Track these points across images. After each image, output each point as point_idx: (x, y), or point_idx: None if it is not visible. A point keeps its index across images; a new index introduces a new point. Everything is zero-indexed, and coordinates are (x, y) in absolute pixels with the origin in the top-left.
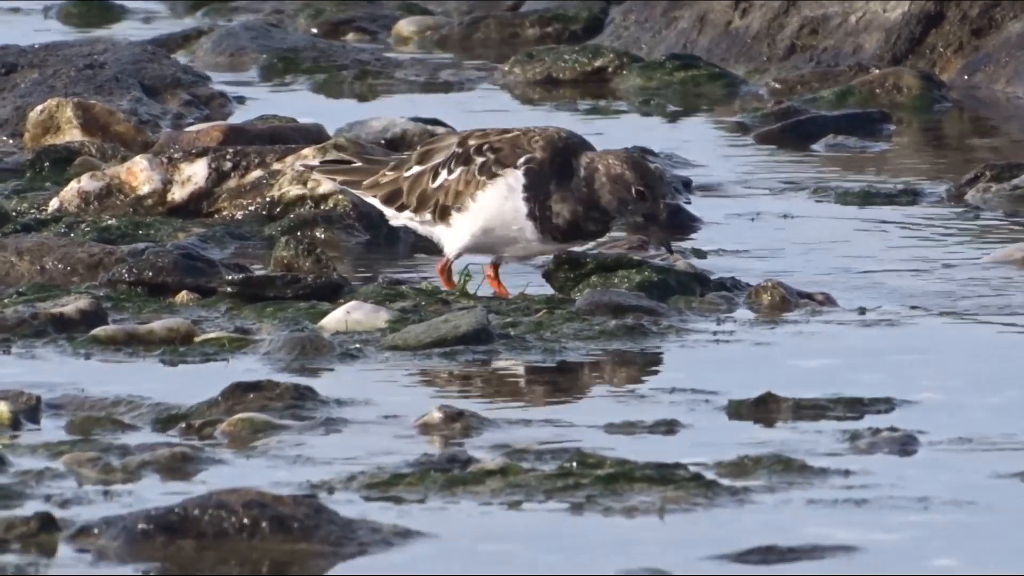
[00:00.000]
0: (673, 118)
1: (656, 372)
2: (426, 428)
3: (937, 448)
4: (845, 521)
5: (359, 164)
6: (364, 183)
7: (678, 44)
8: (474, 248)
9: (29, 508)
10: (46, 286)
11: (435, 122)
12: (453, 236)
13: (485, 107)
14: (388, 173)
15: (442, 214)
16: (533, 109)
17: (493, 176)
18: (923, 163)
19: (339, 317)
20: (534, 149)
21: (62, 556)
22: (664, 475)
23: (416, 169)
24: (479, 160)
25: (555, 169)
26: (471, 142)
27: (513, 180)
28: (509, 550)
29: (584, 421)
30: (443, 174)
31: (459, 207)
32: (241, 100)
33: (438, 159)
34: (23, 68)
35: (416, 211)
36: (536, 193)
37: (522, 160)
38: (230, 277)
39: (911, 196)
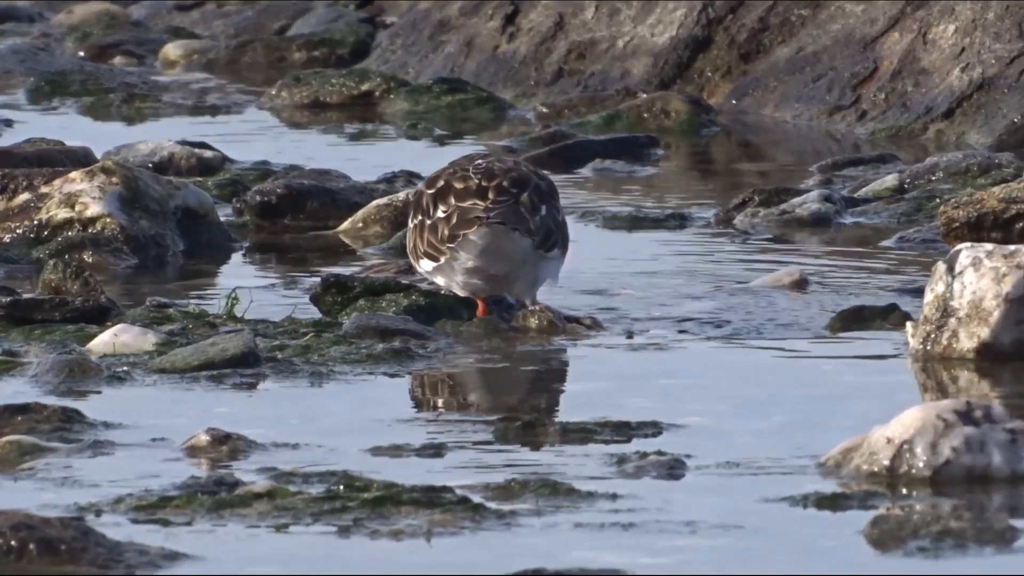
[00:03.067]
0: (440, 142)
1: (423, 395)
2: (193, 451)
3: (704, 472)
4: (612, 545)
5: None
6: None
7: (445, 68)
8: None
9: None
10: None
11: (203, 145)
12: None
13: (251, 130)
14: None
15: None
16: (300, 132)
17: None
18: (691, 187)
19: (107, 340)
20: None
21: None
22: (431, 498)
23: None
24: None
25: None
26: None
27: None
28: (276, 573)
29: (351, 444)
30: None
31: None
32: (8, 123)
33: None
34: None
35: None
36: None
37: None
38: None
39: (679, 220)
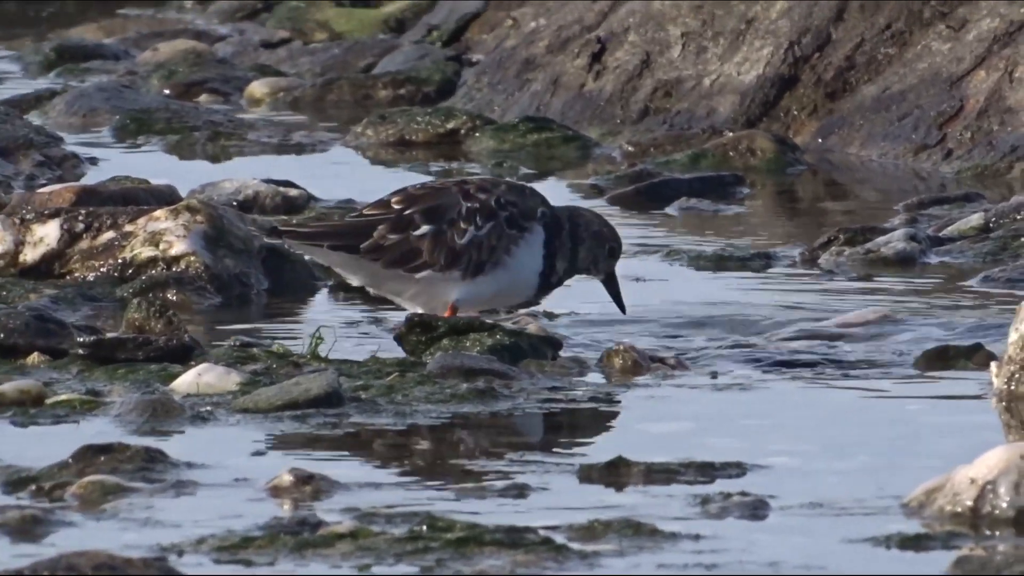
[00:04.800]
0: (527, 180)
1: (507, 435)
2: (276, 491)
3: (788, 513)
4: None
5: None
6: (362, 246)
7: (531, 106)
8: (488, 302)
9: None
10: None
11: (288, 184)
12: (476, 290)
13: (336, 168)
14: (390, 236)
15: (476, 270)
16: (386, 170)
17: (522, 230)
18: (777, 226)
19: (190, 379)
20: (536, 200)
21: None
22: (514, 539)
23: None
24: (503, 214)
25: (556, 223)
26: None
27: (535, 235)
28: None
29: (434, 484)
30: (471, 230)
31: (495, 262)
32: (94, 161)
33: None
34: None
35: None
36: (551, 249)
37: (539, 213)
38: (81, 339)
39: (765, 259)
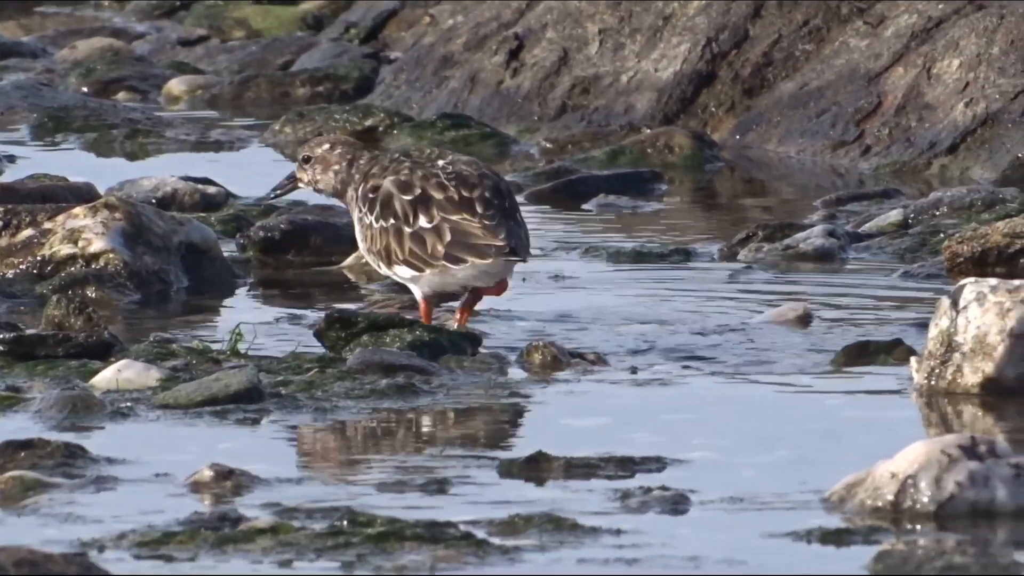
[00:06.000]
0: None
1: (427, 431)
2: (197, 486)
3: (709, 507)
4: None
5: None
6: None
7: (449, 104)
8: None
9: None
10: None
11: (207, 181)
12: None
13: (254, 166)
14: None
15: None
16: None
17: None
18: (695, 222)
19: (110, 376)
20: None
21: None
22: (435, 534)
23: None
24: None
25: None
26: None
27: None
28: None
29: (355, 480)
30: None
31: None
32: (12, 159)
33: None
34: None
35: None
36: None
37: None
38: (1, 335)
39: (683, 256)
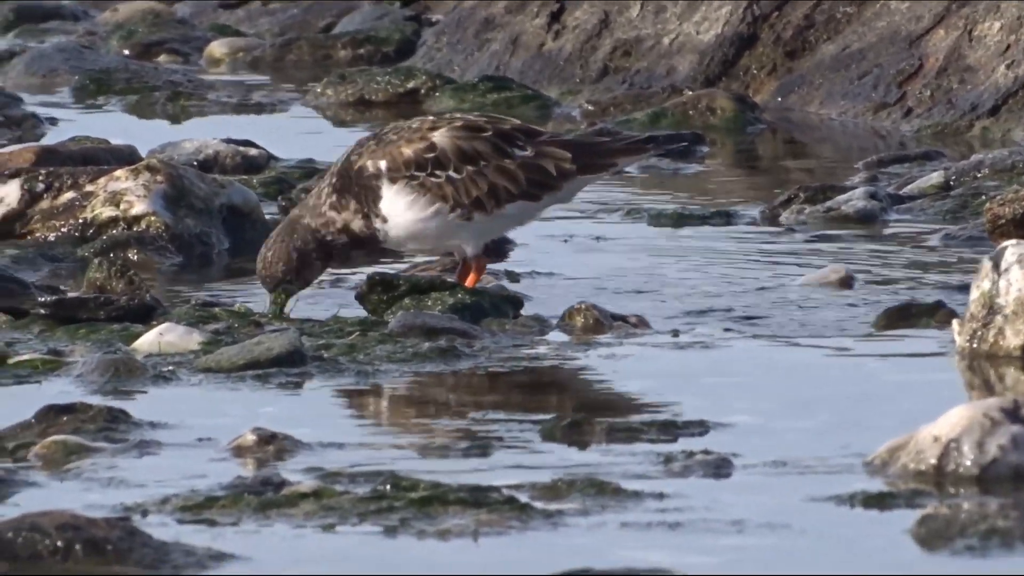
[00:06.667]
0: None
1: (470, 394)
2: (239, 451)
3: (751, 471)
4: (659, 544)
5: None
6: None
7: (491, 66)
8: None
9: None
10: None
11: (248, 143)
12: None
13: (296, 128)
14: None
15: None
16: (345, 130)
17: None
18: (737, 185)
19: (152, 339)
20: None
21: None
22: (478, 498)
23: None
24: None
25: None
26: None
27: None
28: (323, 573)
29: (398, 443)
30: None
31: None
32: (53, 121)
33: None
34: None
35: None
36: None
37: None
38: (43, 299)
39: (725, 218)
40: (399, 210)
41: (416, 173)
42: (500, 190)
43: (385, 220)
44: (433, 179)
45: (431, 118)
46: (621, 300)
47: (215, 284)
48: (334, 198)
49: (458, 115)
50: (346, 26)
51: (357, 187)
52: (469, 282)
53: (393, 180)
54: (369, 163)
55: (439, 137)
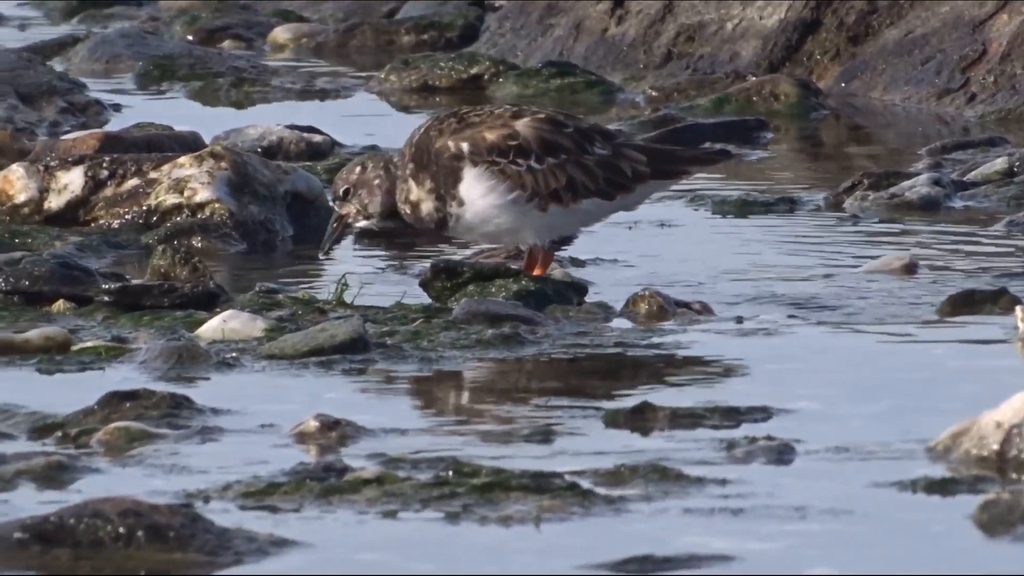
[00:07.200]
0: None
1: (533, 381)
2: (302, 437)
3: (814, 457)
4: (722, 530)
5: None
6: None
7: (554, 51)
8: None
9: None
10: None
11: (312, 130)
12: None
13: (360, 114)
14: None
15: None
16: (409, 116)
17: None
18: (801, 171)
19: (216, 326)
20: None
21: None
22: (540, 484)
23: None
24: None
25: None
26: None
27: None
28: (385, 559)
29: (460, 430)
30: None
31: None
32: (117, 108)
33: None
34: None
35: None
36: None
37: None
38: (107, 286)
39: (789, 204)
40: (477, 194)
41: (498, 159)
42: (578, 184)
43: (462, 203)
44: (515, 166)
45: (508, 106)
46: (685, 287)
47: (279, 271)
48: (412, 167)
49: (536, 108)
50: (409, 11)
51: (436, 167)
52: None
53: (475, 163)
54: (451, 143)
55: (522, 126)
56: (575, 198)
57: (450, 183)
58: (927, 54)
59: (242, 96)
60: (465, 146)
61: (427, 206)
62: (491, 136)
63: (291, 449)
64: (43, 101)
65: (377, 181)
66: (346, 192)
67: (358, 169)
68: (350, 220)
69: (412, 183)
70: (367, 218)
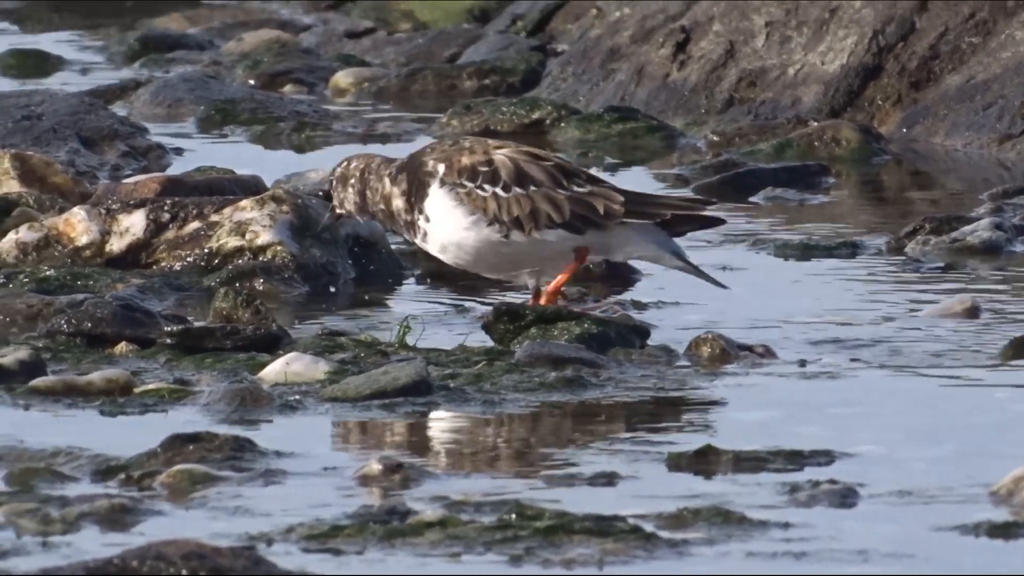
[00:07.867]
0: (612, 170)
1: (596, 424)
2: (365, 480)
3: (877, 501)
4: (784, 574)
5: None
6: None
7: (616, 96)
8: None
9: None
10: None
11: None
12: None
13: None
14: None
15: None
16: None
17: None
18: (862, 216)
19: (278, 368)
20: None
21: None
22: (603, 527)
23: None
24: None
25: None
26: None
27: None
28: None
29: (523, 472)
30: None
31: None
32: (179, 151)
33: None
34: None
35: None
36: None
37: None
38: (169, 328)
39: (850, 248)
40: (441, 213)
41: (466, 183)
42: (541, 214)
43: (428, 219)
44: (480, 192)
45: (504, 141)
46: (747, 330)
47: (341, 313)
48: (394, 170)
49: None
50: (471, 56)
51: (412, 175)
52: (555, 283)
53: (443, 183)
54: (431, 161)
55: (500, 154)
56: (537, 227)
57: (420, 197)
58: (988, 100)
59: (303, 140)
60: (441, 167)
61: (398, 203)
62: (467, 160)
63: (354, 492)
64: (105, 145)
65: (352, 178)
66: (330, 184)
67: (343, 163)
68: (338, 210)
69: (387, 180)
70: (347, 216)
